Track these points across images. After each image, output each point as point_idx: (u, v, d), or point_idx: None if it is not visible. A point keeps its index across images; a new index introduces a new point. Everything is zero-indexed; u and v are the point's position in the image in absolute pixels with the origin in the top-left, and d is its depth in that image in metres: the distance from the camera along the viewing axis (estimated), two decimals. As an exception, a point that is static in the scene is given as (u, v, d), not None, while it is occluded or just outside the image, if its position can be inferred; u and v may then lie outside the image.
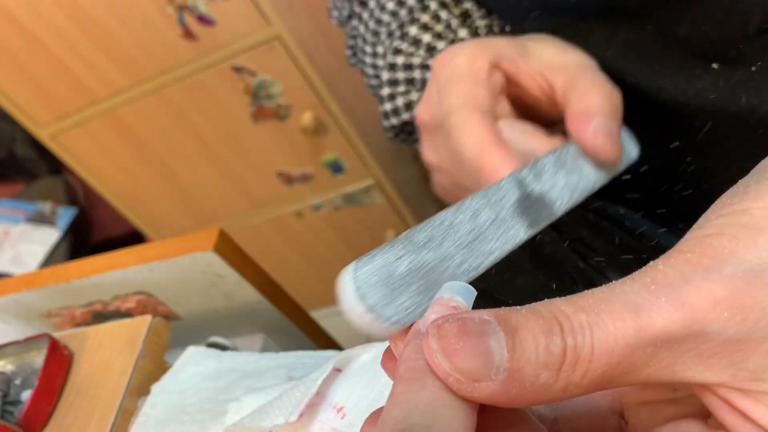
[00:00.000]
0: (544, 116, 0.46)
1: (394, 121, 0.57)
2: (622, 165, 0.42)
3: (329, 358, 0.48)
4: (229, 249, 0.65)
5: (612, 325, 0.21)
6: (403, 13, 0.59)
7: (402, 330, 0.26)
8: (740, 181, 0.23)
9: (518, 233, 0.30)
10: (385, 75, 0.56)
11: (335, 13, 0.71)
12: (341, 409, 0.45)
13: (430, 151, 0.48)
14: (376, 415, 0.25)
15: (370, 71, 0.67)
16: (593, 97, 0.41)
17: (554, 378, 0.22)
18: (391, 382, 0.46)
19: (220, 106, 1.29)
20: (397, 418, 0.21)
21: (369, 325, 0.26)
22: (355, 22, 0.67)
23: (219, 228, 0.65)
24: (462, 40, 0.52)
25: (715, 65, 0.44)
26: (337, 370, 0.47)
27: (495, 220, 0.30)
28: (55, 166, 1.64)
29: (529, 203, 0.32)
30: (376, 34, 0.63)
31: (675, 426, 0.25)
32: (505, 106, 0.46)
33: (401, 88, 0.56)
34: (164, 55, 1.21)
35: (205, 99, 1.28)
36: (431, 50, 0.54)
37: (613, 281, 0.23)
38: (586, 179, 0.37)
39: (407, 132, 0.59)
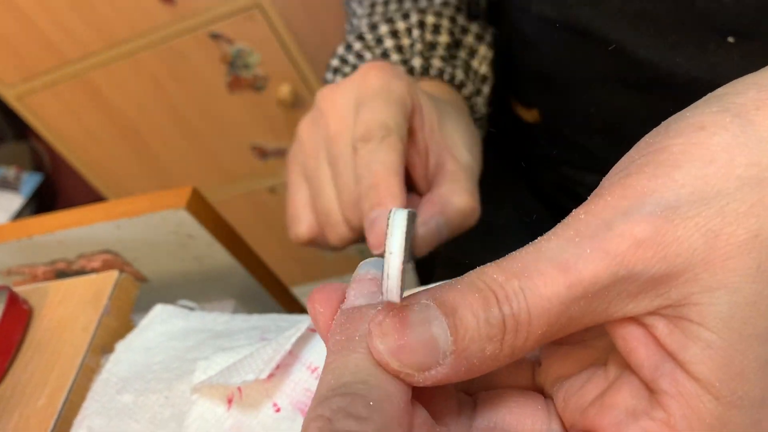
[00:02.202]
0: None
1: None
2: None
3: (305, 320, 0.46)
4: (202, 208, 0.63)
5: (543, 287, 0.22)
6: (393, 7, 0.60)
7: (324, 293, 0.26)
8: (663, 122, 0.24)
9: None
10: (340, 50, 0.58)
11: None
12: (315, 369, 0.43)
13: (305, 127, 0.49)
14: None
15: (347, 26, 0.68)
16: (459, 202, 0.45)
17: (499, 348, 0.22)
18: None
19: (195, 74, 1.26)
20: (329, 382, 0.22)
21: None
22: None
23: (192, 186, 0.62)
24: (412, 66, 0.54)
25: (731, 39, 0.43)
26: (312, 331, 0.45)
27: None
28: (20, 130, 1.59)
29: None
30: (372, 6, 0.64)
31: (580, 394, 0.26)
32: None
33: (347, 70, 0.58)
34: (139, 18, 1.17)
35: (180, 66, 1.24)
36: (385, 56, 0.56)
37: (539, 237, 0.23)
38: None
39: None
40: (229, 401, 0.43)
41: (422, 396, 0.25)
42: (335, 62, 0.59)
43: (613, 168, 0.24)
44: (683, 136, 0.23)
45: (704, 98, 0.24)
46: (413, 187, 0.49)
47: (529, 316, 0.22)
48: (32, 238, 0.66)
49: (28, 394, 0.51)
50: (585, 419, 0.24)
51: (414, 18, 0.56)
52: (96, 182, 1.49)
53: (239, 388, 0.43)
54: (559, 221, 0.23)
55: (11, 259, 0.69)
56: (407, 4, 0.59)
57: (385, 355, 0.22)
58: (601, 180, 0.24)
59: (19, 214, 1.51)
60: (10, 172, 1.55)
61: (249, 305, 0.73)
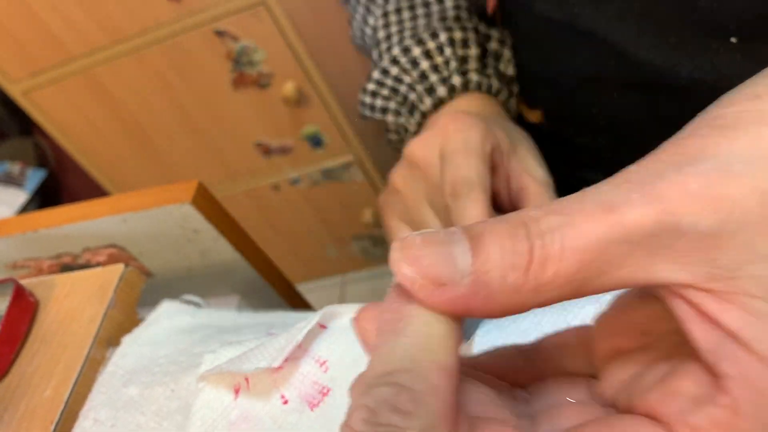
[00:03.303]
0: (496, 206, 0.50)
1: (367, 113, 0.63)
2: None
3: (313, 315, 0.46)
4: (207, 203, 0.63)
5: (584, 223, 0.21)
6: (422, 22, 0.62)
7: (370, 311, 0.25)
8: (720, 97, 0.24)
9: None
10: (376, 74, 0.60)
11: None
12: (324, 362, 0.43)
13: (401, 179, 0.52)
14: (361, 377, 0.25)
15: (357, 31, 0.69)
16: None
17: (523, 278, 0.21)
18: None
19: (200, 70, 1.26)
20: (375, 368, 0.21)
21: None
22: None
23: (198, 180, 0.62)
24: (453, 84, 0.57)
25: (733, 39, 0.43)
26: (322, 327, 0.45)
27: None
28: (25, 126, 1.59)
29: None
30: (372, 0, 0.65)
31: (640, 381, 0.25)
32: None
33: (385, 92, 0.60)
34: (145, 15, 1.18)
35: (185, 62, 1.25)
36: (423, 77, 0.58)
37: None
38: None
39: (375, 120, 0.64)
40: (236, 391, 0.43)
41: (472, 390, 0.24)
42: (372, 86, 0.61)
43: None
44: (737, 105, 0.22)
45: (760, 72, 0.24)
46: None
47: (561, 249, 0.21)
48: (38, 231, 0.66)
49: (34, 385, 0.51)
50: (645, 404, 0.23)
51: (443, 36, 0.58)
52: (100, 178, 1.49)
53: (246, 378, 0.43)
54: None
55: (17, 252, 0.70)
56: (419, 11, 0.61)
57: (401, 264, 0.22)
58: (603, 180, 0.24)
59: (24, 210, 1.51)
60: (14, 167, 1.56)
61: (253, 301, 0.73)
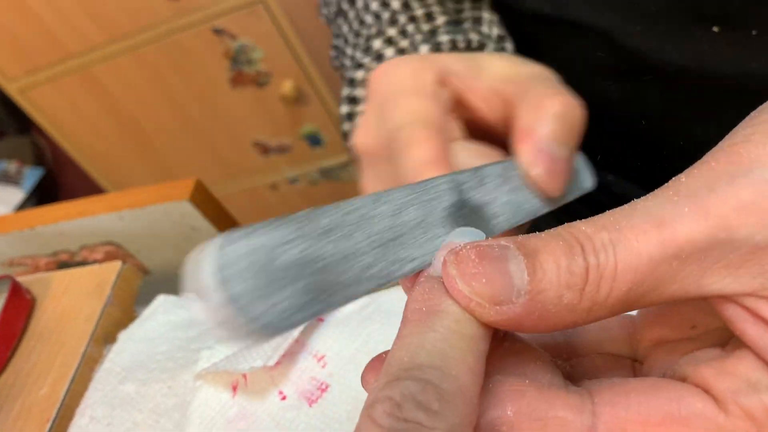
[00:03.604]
0: (501, 142, 0.39)
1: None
2: (571, 196, 0.35)
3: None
4: (205, 200, 0.62)
5: (635, 241, 0.21)
6: (386, 16, 0.53)
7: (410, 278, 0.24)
8: None
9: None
10: (345, 91, 0.50)
11: (324, 11, 0.67)
12: (322, 357, 0.43)
13: (370, 181, 0.41)
14: (377, 361, 0.24)
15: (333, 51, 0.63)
16: (545, 112, 0.34)
17: (578, 298, 0.21)
18: (376, 334, 0.44)
19: (197, 69, 1.26)
20: (402, 359, 0.21)
21: (225, 322, 0.19)
22: (340, 20, 0.63)
23: (196, 178, 0.62)
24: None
25: (715, 28, 0.43)
26: (320, 320, 0.45)
27: (422, 223, 0.25)
28: (23, 125, 1.59)
29: (464, 212, 0.27)
30: (357, 35, 0.57)
31: (693, 356, 0.24)
32: (454, 128, 0.40)
33: (360, 107, 0.49)
34: (143, 13, 1.17)
35: (182, 61, 1.24)
36: None
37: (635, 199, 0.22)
38: (530, 202, 0.31)
39: None
40: (234, 388, 0.43)
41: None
42: (345, 108, 0.51)
43: (721, 141, 0.23)
44: None
45: None
46: (505, 146, 0.40)
47: (615, 269, 0.21)
48: (35, 229, 0.66)
49: (31, 383, 0.51)
50: (699, 376, 0.23)
51: (402, 18, 0.50)
52: (97, 177, 1.48)
53: (244, 375, 0.43)
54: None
55: (14, 249, 0.69)
56: (384, 15, 0.53)
57: (457, 280, 0.21)
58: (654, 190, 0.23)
59: (21, 209, 1.51)
60: (11, 166, 1.55)
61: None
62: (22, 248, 0.69)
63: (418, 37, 0.48)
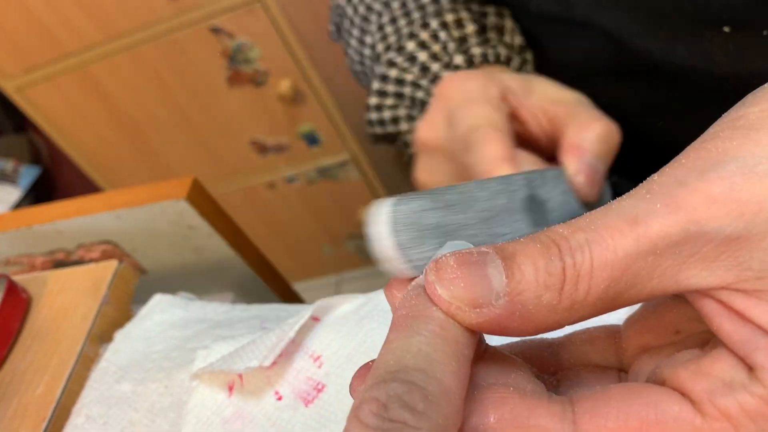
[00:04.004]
0: (541, 154, 0.46)
1: (378, 130, 0.58)
2: (601, 203, 0.42)
3: (307, 309, 0.46)
4: (202, 199, 0.62)
5: (610, 239, 0.21)
6: (395, 5, 0.58)
7: (400, 280, 0.26)
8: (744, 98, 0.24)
9: (522, 227, 0.31)
10: (376, 85, 0.56)
11: None
12: (318, 357, 0.43)
13: (425, 172, 0.49)
14: (365, 369, 0.25)
15: (354, 56, 0.66)
16: (591, 132, 0.42)
17: (557, 298, 0.22)
18: (373, 333, 0.44)
19: (195, 68, 1.26)
20: (389, 362, 0.21)
21: (392, 262, 0.26)
22: (343, 1, 0.65)
23: (193, 176, 0.62)
24: (457, 65, 0.53)
25: (726, 28, 0.43)
26: (315, 319, 0.45)
27: (507, 208, 0.31)
28: (19, 123, 1.58)
29: (534, 204, 0.33)
30: (365, 20, 0.62)
31: (671, 359, 0.25)
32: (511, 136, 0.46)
33: (389, 101, 0.56)
34: (140, 11, 1.17)
35: (180, 60, 1.24)
36: (425, 70, 0.54)
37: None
38: (571, 204, 0.38)
39: (388, 140, 0.59)
40: (230, 388, 0.42)
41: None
42: (374, 100, 0.57)
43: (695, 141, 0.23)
44: (760, 105, 0.22)
45: None
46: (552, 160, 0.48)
47: (591, 267, 0.21)
48: (31, 227, 0.66)
49: (27, 382, 0.51)
50: (676, 378, 0.23)
51: (434, 23, 0.55)
52: (94, 176, 1.48)
53: (240, 375, 0.43)
54: None
55: (10, 248, 0.69)
56: (415, 15, 0.58)
57: (436, 286, 0.22)
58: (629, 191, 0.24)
59: (17, 207, 1.50)
60: (8, 165, 1.55)
61: (248, 298, 0.73)
62: (19, 247, 0.69)
63: (452, 45, 0.54)
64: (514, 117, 0.46)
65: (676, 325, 0.26)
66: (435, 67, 0.54)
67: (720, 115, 0.42)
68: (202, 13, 1.17)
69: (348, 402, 0.40)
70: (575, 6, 0.48)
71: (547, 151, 0.46)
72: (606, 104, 0.54)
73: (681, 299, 0.25)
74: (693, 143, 0.23)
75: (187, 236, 0.65)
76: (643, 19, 0.46)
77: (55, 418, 0.48)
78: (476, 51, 0.54)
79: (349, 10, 0.64)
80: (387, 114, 0.56)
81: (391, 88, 0.56)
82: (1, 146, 1.57)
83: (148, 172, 1.47)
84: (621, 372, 0.28)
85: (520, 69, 0.56)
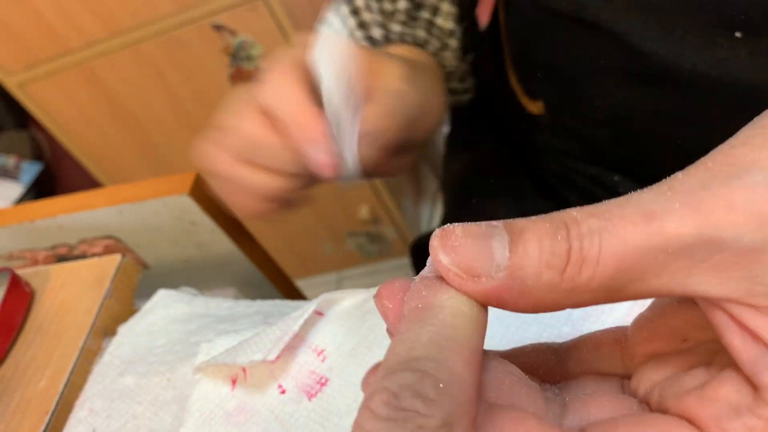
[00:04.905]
0: None
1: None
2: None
3: (310, 304, 0.46)
4: (205, 194, 0.62)
5: (622, 229, 0.21)
6: None
7: (390, 288, 0.25)
8: None
9: None
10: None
11: None
12: (321, 351, 0.43)
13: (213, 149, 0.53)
14: (378, 366, 0.25)
15: None
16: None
17: (558, 278, 0.21)
18: (376, 328, 0.44)
19: (197, 65, 1.26)
20: (399, 353, 0.21)
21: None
22: None
23: (196, 171, 0.62)
24: (373, 38, 0.58)
25: (738, 34, 0.43)
26: (319, 314, 0.45)
27: None
28: (21, 119, 1.58)
29: None
30: None
31: (676, 385, 0.24)
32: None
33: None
34: (143, 8, 1.17)
35: (182, 56, 1.24)
36: (351, 36, 0.60)
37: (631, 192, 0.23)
38: None
39: None
40: (233, 381, 0.43)
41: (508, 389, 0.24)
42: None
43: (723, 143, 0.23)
44: None
45: None
46: None
47: (598, 253, 0.21)
48: (34, 222, 0.66)
49: (30, 375, 0.51)
50: (681, 405, 0.23)
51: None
52: (96, 172, 1.48)
53: (244, 369, 0.43)
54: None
55: (12, 243, 0.69)
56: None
57: (438, 251, 0.22)
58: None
59: (19, 203, 1.50)
60: (9, 160, 1.55)
61: (250, 294, 0.73)
62: (21, 242, 0.69)
63: (377, 18, 0.58)
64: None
65: (683, 333, 0.26)
66: (358, 34, 0.59)
67: (731, 122, 0.42)
68: (205, 10, 1.17)
69: (351, 396, 0.40)
70: (585, 7, 0.48)
71: None
72: (615, 106, 0.55)
73: (689, 305, 0.25)
74: (722, 145, 0.22)
75: (190, 231, 0.66)
76: (654, 23, 0.46)
77: (58, 412, 0.48)
78: (395, 28, 0.58)
79: None
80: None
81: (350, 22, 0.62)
82: (3, 142, 1.57)
83: (150, 169, 1.47)
84: (624, 379, 0.28)
85: (436, 54, 0.61)
